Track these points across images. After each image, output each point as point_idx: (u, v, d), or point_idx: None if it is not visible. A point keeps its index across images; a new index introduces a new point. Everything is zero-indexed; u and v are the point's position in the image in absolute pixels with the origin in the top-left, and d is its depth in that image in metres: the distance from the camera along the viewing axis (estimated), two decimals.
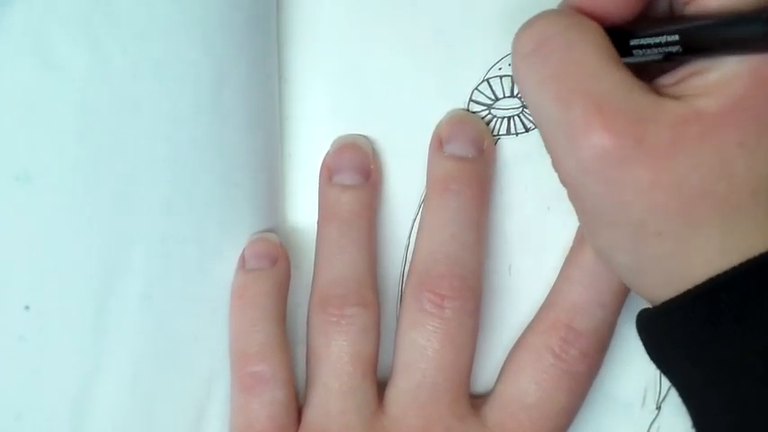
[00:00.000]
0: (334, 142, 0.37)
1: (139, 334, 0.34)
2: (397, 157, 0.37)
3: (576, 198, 0.31)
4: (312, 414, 0.35)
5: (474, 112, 0.37)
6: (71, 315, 0.33)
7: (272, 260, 0.35)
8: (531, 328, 0.36)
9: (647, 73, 0.31)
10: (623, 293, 0.35)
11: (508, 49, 0.36)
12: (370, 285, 0.36)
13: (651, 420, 0.38)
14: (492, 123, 0.37)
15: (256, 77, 0.35)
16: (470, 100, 0.37)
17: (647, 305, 0.32)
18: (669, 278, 0.29)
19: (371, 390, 0.35)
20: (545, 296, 0.36)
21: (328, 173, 0.36)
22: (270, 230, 0.36)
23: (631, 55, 0.30)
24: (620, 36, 0.30)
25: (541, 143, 0.36)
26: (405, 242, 0.37)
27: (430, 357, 0.34)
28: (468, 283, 0.35)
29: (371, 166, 0.36)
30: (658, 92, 0.30)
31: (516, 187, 0.37)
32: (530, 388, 0.35)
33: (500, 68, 0.36)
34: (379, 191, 0.37)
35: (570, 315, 0.35)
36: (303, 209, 0.37)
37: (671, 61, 0.30)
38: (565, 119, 0.29)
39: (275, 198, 0.37)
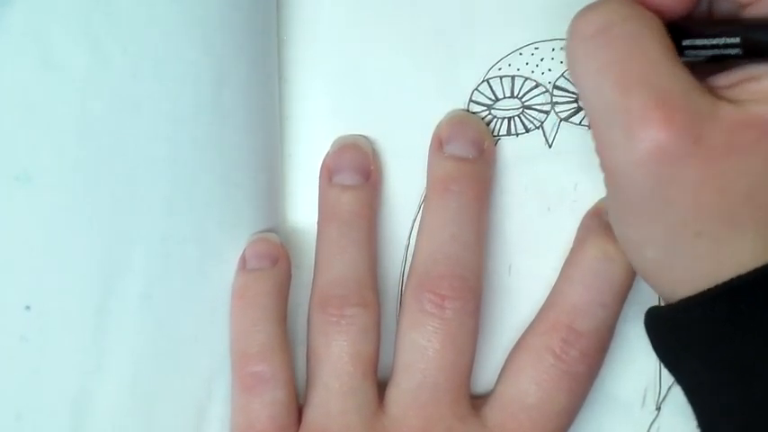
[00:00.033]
0: (334, 142, 0.37)
1: (139, 334, 0.34)
2: (397, 157, 0.37)
3: (614, 187, 0.31)
4: (312, 414, 0.35)
5: (474, 113, 0.37)
6: (71, 315, 0.33)
7: (273, 260, 0.35)
8: (531, 328, 0.36)
9: (694, 74, 0.30)
10: (624, 294, 0.35)
11: (508, 50, 0.36)
12: (371, 285, 0.36)
13: (651, 421, 0.38)
14: (492, 124, 0.37)
15: (256, 77, 0.35)
16: (470, 100, 0.37)
17: (648, 305, 0.32)
18: (695, 277, 0.29)
19: (372, 390, 0.35)
20: (545, 296, 0.36)
21: (328, 173, 0.36)
22: (270, 230, 0.36)
23: (682, 55, 0.30)
24: (671, 34, 0.30)
25: (541, 144, 0.36)
26: (405, 242, 0.37)
27: (430, 358, 0.34)
28: (469, 284, 0.35)
29: (371, 167, 0.36)
30: (714, 93, 0.29)
31: (516, 188, 0.37)
32: (530, 388, 0.35)
33: (500, 69, 0.36)
34: (379, 191, 0.37)
35: (571, 316, 0.35)
36: (303, 209, 0.37)
37: (716, 64, 0.30)
38: (623, 108, 0.29)
39: (275, 198, 0.37)
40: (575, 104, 0.37)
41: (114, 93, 0.33)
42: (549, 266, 0.36)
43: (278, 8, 0.36)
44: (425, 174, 0.36)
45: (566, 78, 0.36)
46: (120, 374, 0.34)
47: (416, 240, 0.36)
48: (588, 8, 0.31)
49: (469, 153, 0.36)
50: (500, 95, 0.37)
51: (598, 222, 0.35)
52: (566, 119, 0.37)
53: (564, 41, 0.31)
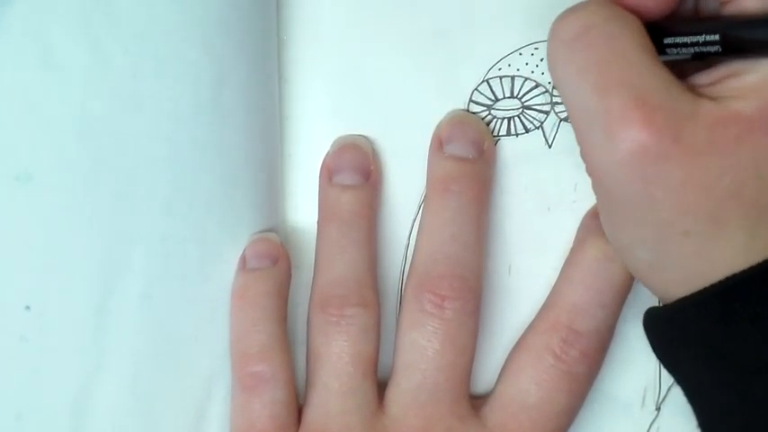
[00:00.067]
0: (334, 142, 0.37)
1: (139, 334, 0.34)
2: (397, 157, 0.37)
3: (602, 190, 0.31)
4: (312, 414, 0.35)
5: (474, 113, 0.37)
6: (71, 315, 0.33)
7: (273, 260, 0.35)
8: (531, 328, 0.36)
9: (677, 72, 0.30)
10: (624, 294, 0.35)
11: (508, 50, 0.36)
12: (371, 285, 0.36)
13: (651, 421, 0.38)
14: (492, 124, 0.37)
15: (256, 77, 0.35)
16: (470, 100, 0.37)
17: (649, 305, 0.32)
18: (688, 276, 0.29)
19: (372, 390, 0.35)
20: (545, 296, 0.36)
21: (328, 173, 0.36)
22: (270, 230, 0.36)
23: (664, 53, 0.30)
24: (653, 33, 0.30)
25: (541, 144, 0.36)
26: (405, 242, 0.37)
27: (430, 358, 0.34)
28: (469, 284, 0.35)
29: (371, 167, 0.36)
30: (694, 91, 0.29)
31: (516, 188, 0.37)
32: (530, 389, 0.35)
33: (500, 69, 0.36)
34: (379, 191, 0.37)
35: (571, 316, 0.35)
36: (303, 209, 0.37)
37: (701, 61, 0.30)
38: (603, 109, 0.29)
39: (275, 198, 0.37)
40: None
41: (114, 93, 0.33)
42: (549, 266, 0.37)
43: (278, 8, 0.36)
44: (425, 174, 0.36)
45: None
46: (120, 374, 0.34)
47: (416, 240, 0.36)
48: (567, 11, 0.31)
49: (469, 153, 0.36)
50: (500, 95, 0.37)
51: (598, 222, 0.35)
52: (566, 119, 0.37)
53: None
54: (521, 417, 0.34)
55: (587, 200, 0.37)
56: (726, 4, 0.30)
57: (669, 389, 0.38)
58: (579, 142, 0.31)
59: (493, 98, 0.37)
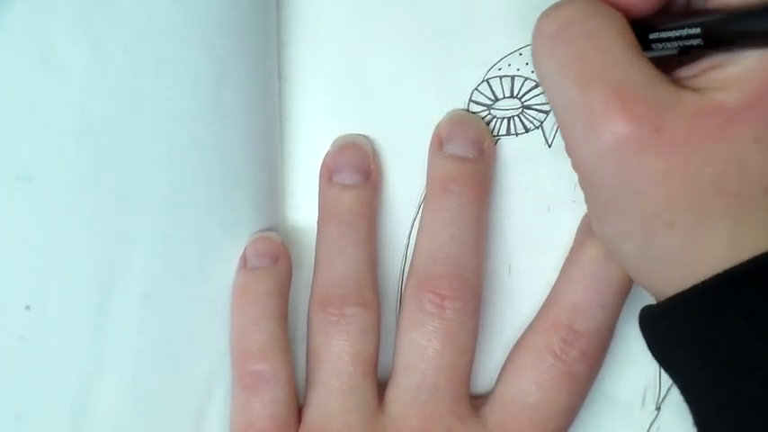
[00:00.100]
0: (334, 142, 0.37)
1: (139, 334, 0.34)
2: (397, 157, 0.37)
3: (587, 185, 0.31)
4: (312, 413, 0.35)
5: (474, 113, 0.37)
6: (71, 315, 0.33)
7: (274, 259, 0.35)
8: (531, 328, 0.36)
9: (664, 66, 0.31)
10: (624, 293, 0.35)
11: (508, 50, 0.36)
12: (371, 285, 0.36)
13: (651, 421, 0.38)
14: (492, 124, 0.37)
15: (256, 77, 0.35)
16: (470, 100, 0.37)
17: (649, 305, 0.32)
18: (676, 272, 0.29)
19: (372, 390, 0.35)
20: (545, 296, 0.36)
21: (328, 173, 0.36)
22: (270, 230, 0.36)
23: (650, 49, 0.31)
24: (639, 30, 0.30)
25: (541, 144, 0.36)
26: (405, 242, 0.37)
27: (430, 358, 0.34)
28: (469, 284, 0.35)
29: (372, 166, 0.36)
30: (677, 84, 0.30)
31: (516, 188, 0.37)
32: (530, 388, 0.35)
33: (500, 69, 0.36)
34: (379, 191, 0.37)
35: (571, 315, 0.35)
36: (303, 209, 0.37)
37: (687, 55, 0.30)
38: (583, 104, 0.29)
39: (275, 198, 0.37)
40: None
41: (114, 93, 0.33)
42: (549, 266, 0.37)
43: (278, 8, 0.36)
44: (425, 174, 0.36)
45: None
46: (120, 374, 0.34)
47: (416, 240, 0.36)
48: (551, 8, 0.31)
49: (469, 153, 0.36)
50: (500, 95, 0.37)
51: None
52: None
53: None
54: (521, 416, 0.34)
55: None
56: None
57: (669, 389, 0.38)
58: (563, 137, 0.31)
59: (493, 98, 0.37)
